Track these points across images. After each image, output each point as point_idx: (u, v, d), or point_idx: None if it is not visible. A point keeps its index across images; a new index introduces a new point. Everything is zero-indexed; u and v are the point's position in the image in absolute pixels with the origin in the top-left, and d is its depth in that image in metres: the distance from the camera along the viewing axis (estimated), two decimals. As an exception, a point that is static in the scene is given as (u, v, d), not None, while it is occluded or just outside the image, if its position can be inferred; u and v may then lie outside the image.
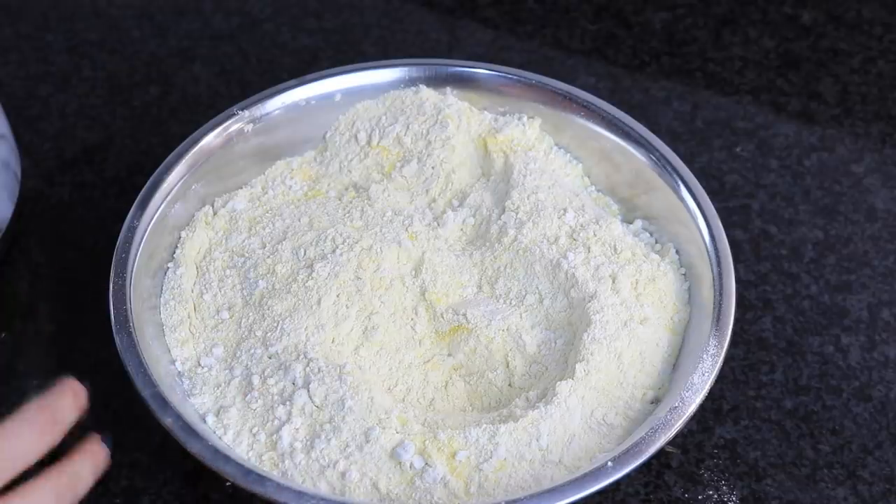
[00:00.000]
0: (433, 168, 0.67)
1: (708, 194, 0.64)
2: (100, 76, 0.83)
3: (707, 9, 0.87)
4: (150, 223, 0.62)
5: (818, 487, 0.61)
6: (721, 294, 0.60)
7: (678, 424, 0.55)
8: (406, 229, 0.65)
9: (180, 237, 0.65)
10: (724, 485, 0.61)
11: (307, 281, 0.61)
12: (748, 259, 0.71)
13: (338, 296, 0.61)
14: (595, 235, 0.63)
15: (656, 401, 0.59)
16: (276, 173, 0.69)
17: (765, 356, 0.67)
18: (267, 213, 0.66)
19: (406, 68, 0.70)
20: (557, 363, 0.61)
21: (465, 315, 0.62)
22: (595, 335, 0.59)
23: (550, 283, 0.62)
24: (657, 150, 0.66)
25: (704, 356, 0.57)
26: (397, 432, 0.56)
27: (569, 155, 0.69)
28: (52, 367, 0.66)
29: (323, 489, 0.55)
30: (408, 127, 0.68)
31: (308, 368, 0.58)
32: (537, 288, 0.63)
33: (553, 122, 0.69)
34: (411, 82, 0.70)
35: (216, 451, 0.53)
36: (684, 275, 0.64)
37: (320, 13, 0.87)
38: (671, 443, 0.55)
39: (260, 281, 0.62)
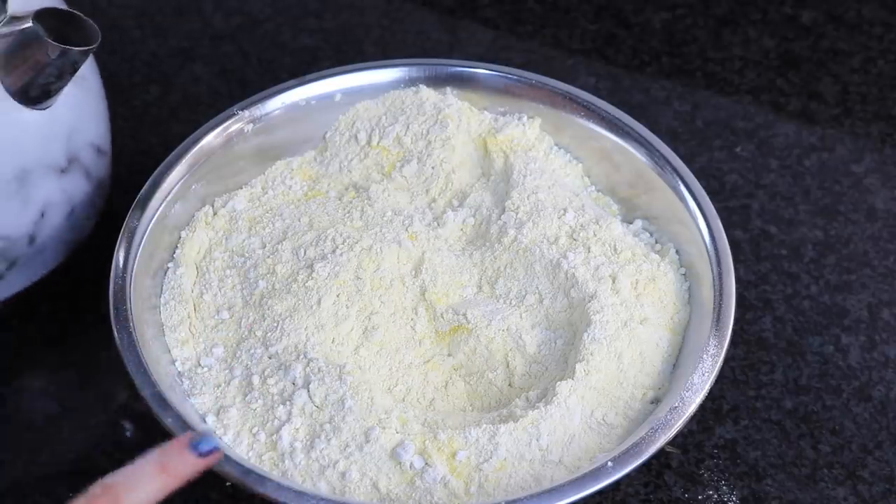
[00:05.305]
0: (433, 168, 0.67)
1: (708, 194, 0.64)
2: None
3: (707, 9, 0.87)
4: (150, 223, 0.62)
5: (818, 487, 0.61)
6: (721, 294, 0.60)
7: (678, 424, 0.55)
8: (406, 229, 0.65)
9: (180, 237, 0.65)
10: (724, 485, 0.61)
11: (307, 281, 0.61)
12: (748, 259, 0.71)
13: (338, 296, 0.61)
14: (595, 235, 0.63)
15: (656, 401, 0.59)
16: (276, 173, 0.69)
17: (765, 356, 0.67)
18: (267, 213, 0.66)
19: (406, 68, 0.70)
20: (557, 363, 0.61)
21: (465, 315, 0.62)
22: (595, 335, 0.59)
23: (550, 283, 0.62)
24: (657, 150, 0.66)
25: (704, 356, 0.57)
26: (397, 432, 0.56)
27: (569, 155, 0.69)
28: (52, 367, 0.66)
29: (323, 489, 0.55)
30: (408, 127, 0.68)
31: (308, 368, 0.58)
32: (537, 288, 0.63)
33: (553, 122, 0.69)
34: (411, 82, 0.70)
35: (216, 451, 0.53)
36: (684, 275, 0.64)
37: (320, 13, 0.87)
38: (671, 443, 0.55)
39: (260, 281, 0.62)
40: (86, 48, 0.57)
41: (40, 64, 0.57)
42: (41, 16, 0.57)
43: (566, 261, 0.62)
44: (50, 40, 0.56)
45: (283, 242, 0.64)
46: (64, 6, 0.64)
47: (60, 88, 0.59)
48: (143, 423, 0.63)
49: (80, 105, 0.63)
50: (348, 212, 0.66)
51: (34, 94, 0.59)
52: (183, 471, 0.48)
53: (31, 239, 0.62)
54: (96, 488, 0.46)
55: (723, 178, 0.76)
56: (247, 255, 0.64)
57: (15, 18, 0.58)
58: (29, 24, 0.56)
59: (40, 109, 0.60)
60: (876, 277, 0.70)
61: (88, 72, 0.65)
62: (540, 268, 0.63)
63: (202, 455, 0.49)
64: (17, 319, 0.68)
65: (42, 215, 0.62)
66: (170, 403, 0.55)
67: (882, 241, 0.72)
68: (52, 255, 0.65)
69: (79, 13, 0.58)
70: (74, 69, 0.58)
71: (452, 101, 0.69)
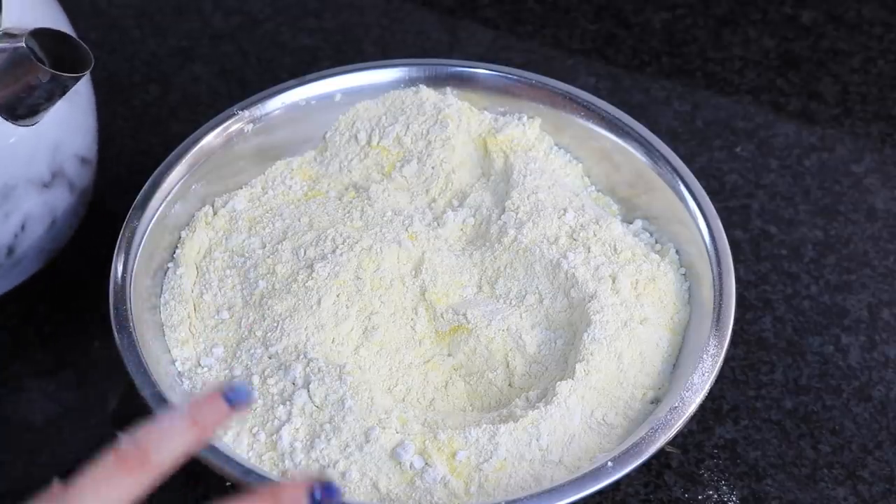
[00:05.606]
0: (433, 168, 0.67)
1: (708, 194, 0.64)
2: (100, 76, 0.83)
3: (707, 9, 0.87)
4: (150, 223, 0.62)
5: (818, 487, 0.61)
6: (721, 294, 0.60)
7: (678, 424, 0.55)
8: (406, 229, 0.65)
9: (180, 237, 0.65)
10: (724, 485, 0.61)
11: (307, 281, 0.61)
12: (748, 259, 0.71)
13: (338, 296, 0.61)
14: (595, 235, 0.63)
15: (656, 401, 0.59)
16: (276, 173, 0.69)
17: (765, 356, 0.67)
18: (267, 213, 0.66)
19: (406, 68, 0.70)
20: (557, 363, 0.61)
21: (465, 315, 0.62)
22: (595, 335, 0.59)
23: (550, 283, 0.62)
24: (657, 150, 0.66)
25: (704, 356, 0.57)
26: (397, 432, 0.56)
27: (569, 155, 0.69)
28: (52, 367, 0.66)
29: (323, 489, 0.55)
30: (408, 127, 0.68)
31: (308, 368, 0.58)
32: (537, 288, 0.63)
33: (553, 122, 0.69)
34: (411, 82, 0.70)
35: (216, 451, 0.53)
36: (684, 275, 0.64)
37: (320, 13, 0.87)
38: (671, 443, 0.55)
39: (260, 281, 0.62)
40: (77, 74, 0.55)
41: (30, 85, 0.55)
42: (35, 35, 0.55)
43: (566, 261, 0.62)
44: (41, 65, 0.54)
45: (283, 242, 0.64)
46: (62, 14, 0.63)
47: (49, 108, 0.57)
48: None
49: (68, 120, 0.62)
50: (348, 212, 0.66)
51: (21, 113, 0.57)
52: (214, 421, 0.45)
53: (10, 251, 0.61)
54: (124, 443, 0.43)
55: (723, 178, 0.76)
56: (247, 255, 0.64)
57: (8, 35, 0.55)
58: (21, 44, 0.54)
59: (26, 126, 0.58)
60: (876, 277, 0.70)
61: (81, 84, 0.62)
62: (540, 268, 0.63)
63: (236, 405, 0.46)
64: (18, 319, 0.68)
65: (22, 228, 0.61)
66: (170, 403, 0.55)
67: (882, 241, 0.72)
68: (30, 264, 0.65)
69: (73, 36, 0.56)
70: (64, 92, 0.56)
71: (452, 101, 0.69)
